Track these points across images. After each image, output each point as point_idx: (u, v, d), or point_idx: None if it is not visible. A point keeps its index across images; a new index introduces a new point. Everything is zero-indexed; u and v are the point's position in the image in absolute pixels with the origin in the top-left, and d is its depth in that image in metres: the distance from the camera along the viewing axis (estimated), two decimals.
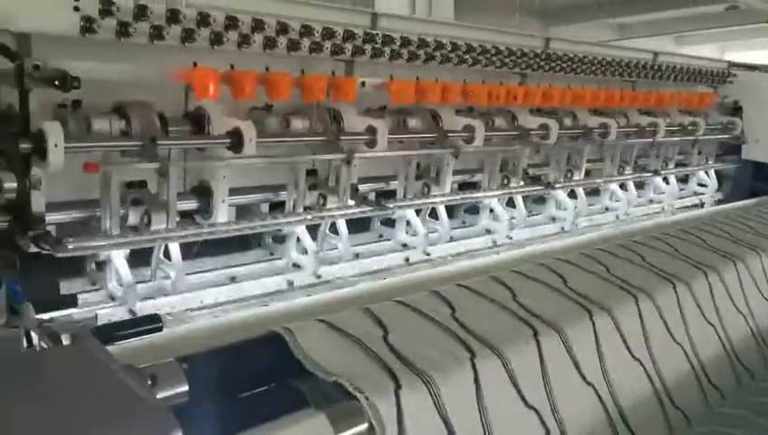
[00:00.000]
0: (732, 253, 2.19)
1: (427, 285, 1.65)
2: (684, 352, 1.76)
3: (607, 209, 3.17)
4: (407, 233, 2.41)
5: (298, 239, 2.08)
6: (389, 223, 2.44)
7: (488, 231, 2.65)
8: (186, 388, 1.07)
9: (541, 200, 2.98)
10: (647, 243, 2.18)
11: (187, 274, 1.84)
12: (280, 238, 2.14)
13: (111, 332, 1.29)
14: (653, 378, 1.63)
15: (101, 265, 1.72)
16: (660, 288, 1.81)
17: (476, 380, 1.25)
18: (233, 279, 1.98)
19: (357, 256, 2.26)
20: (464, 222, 2.75)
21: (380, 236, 2.47)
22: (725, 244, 2.29)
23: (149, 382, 1.03)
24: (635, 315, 1.68)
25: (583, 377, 1.46)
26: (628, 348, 1.61)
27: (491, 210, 2.64)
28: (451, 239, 2.49)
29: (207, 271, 1.98)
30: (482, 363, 1.28)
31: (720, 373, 1.82)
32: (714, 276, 1.99)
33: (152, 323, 1.35)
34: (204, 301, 1.83)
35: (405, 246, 2.40)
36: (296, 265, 2.10)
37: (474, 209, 2.72)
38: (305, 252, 2.07)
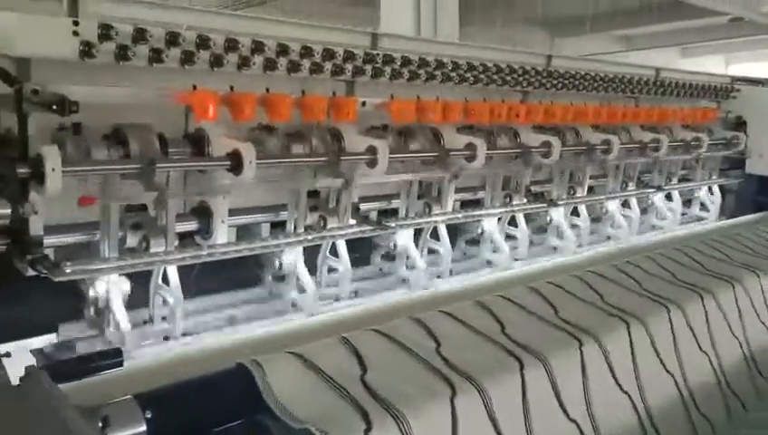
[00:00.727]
0: (730, 275, 2.16)
1: (410, 310, 1.61)
2: (674, 381, 1.72)
3: (608, 238, 3.11)
4: (407, 268, 2.37)
5: (298, 279, 2.05)
6: (390, 257, 2.41)
7: (489, 263, 2.62)
8: (142, 428, 1.03)
9: (542, 230, 2.93)
10: (642, 265, 2.14)
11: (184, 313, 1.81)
12: (280, 277, 2.11)
13: (67, 368, 1.25)
14: (640, 410, 1.59)
15: (101, 312, 1.69)
16: (654, 314, 1.78)
17: (454, 418, 1.21)
18: (231, 320, 1.96)
19: (356, 293, 2.24)
20: (464, 253, 2.72)
21: (380, 270, 2.44)
22: (723, 266, 2.25)
23: (100, 424, 0.98)
24: (626, 344, 1.64)
25: (566, 414, 1.42)
26: (616, 380, 1.57)
27: (491, 241, 2.60)
28: (451, 273, 2.46)
29: (205, 311, 1.96)
30: (461, 401, 1.24)
31: (710, 404, 1.78)
32: (710, 301, 1.96)
33: (112, 358, 1.30)
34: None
35: (405, 281, 2.37)
36: (295, 306, 2.07)
37: (474, 241, 2.69)
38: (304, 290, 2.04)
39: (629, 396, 1.58)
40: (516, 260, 2.61)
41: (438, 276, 2.42)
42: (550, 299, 1.75)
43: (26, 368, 1.11)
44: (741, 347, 1.98)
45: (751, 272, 2.22)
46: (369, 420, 1.12)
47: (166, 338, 1.79)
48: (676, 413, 1.68)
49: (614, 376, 1.57)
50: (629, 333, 1.66)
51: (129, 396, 1.08)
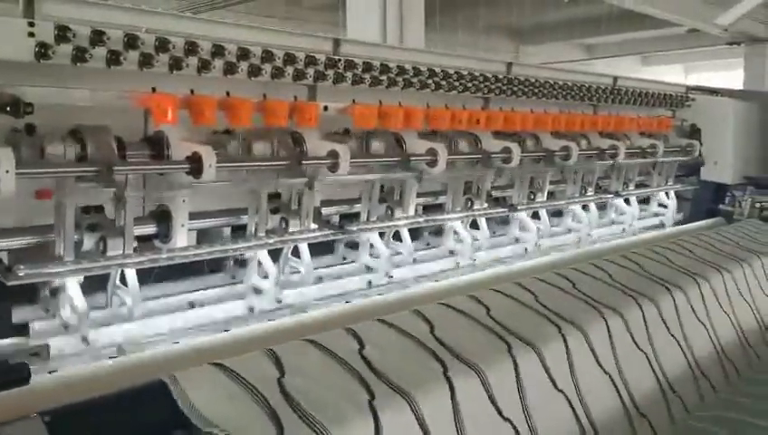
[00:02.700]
0: (672, 282, 2.20)
1: (344, 321, 1.59)
2: (615, 386, 1.73)
3: (570, 231, 3.21)
4: (371, 255, 2.40)
5: (260, 263, 2.06)
6: (353, 245, 2.43)
7: (452, 252, 2.66)
8: None
9: (505, 222, 3.01)
10: (584, 270, 2.17)
11: (144, 299, 1.80)
12: (242, 262, 2.12)
13: None
14: (579, 413, 1.60)
15: (56, 292, 1.68)
16: (591, 320, 1.80)
17: (377, 428, 1.19)
18: (191, 305, 1.95)
19: (320, 279, 2.25)
20: (428, 244, 2.76)
21: (344, 258, 2.46)
22: (667, 272, 2.30)
23: None
24: (561, 349, 1.65)
25: (502, 417, 1.42)
26: (553, 382, 1.58)
27: (455, 232, 2.66)
28: (414, 261, 2.49)
29: (166, 296, 1.93)
30: (385, 410, 1.21)
31: (653, 406, 1.80)
32: (650, 307, 1.99)
33: (16, 374, 1.25)
34: (161, 328, 1.79)
35: (369, 268, 2.40)
36: (257, 290, 2.07)
37: (438, 231, 2.74)
38: (267, 276, 2.05)
39: (568, 398, 1.58)
40: (477, 251, 2.66)
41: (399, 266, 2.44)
42: (486, 303, 1.75)
43: None
44: (684, 353, 2.02)
45: (691, 278, 2.27)
46: (282, 429, 1.09)
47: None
48: (617, 416, 1.69)
49: (552, 380, 1.58)
50: (564, 338, 1.67)
51: (34, 414, 1.02)
